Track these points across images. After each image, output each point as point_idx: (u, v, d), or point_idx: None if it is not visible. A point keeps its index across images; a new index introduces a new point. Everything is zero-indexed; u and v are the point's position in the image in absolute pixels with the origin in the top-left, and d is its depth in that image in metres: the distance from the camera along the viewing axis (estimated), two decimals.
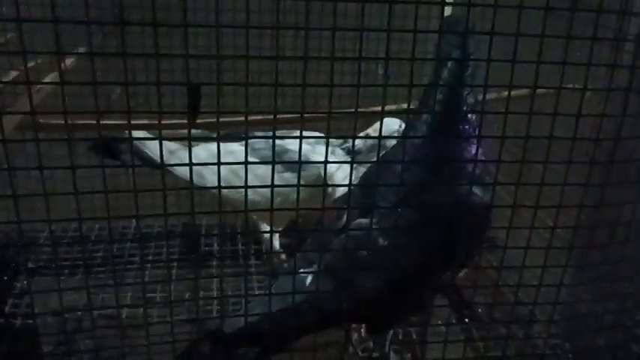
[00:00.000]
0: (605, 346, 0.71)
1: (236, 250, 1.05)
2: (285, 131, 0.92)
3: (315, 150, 0.94)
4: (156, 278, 0.92)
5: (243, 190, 0.53)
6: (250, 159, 0.86)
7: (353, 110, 0.52)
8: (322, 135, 0.95)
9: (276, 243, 1.00)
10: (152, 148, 0.86)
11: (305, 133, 0.52)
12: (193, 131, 0.88)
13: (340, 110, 0.73)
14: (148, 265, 0.96)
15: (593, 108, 0.60)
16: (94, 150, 0.82)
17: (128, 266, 0.95)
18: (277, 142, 0.53)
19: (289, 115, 0.65)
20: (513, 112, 0.53)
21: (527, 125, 0.54)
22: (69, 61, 0.96)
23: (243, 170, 0.53)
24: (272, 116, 0.51)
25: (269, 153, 0.93)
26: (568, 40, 0.51)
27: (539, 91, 0.53)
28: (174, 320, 0.60)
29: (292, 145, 0.90)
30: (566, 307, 0.67)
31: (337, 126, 1.03)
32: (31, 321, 0.81)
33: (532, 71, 0.53)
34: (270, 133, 0.91)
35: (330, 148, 0.96)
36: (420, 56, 0.52)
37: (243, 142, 0.96)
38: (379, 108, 0.53)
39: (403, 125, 0.98)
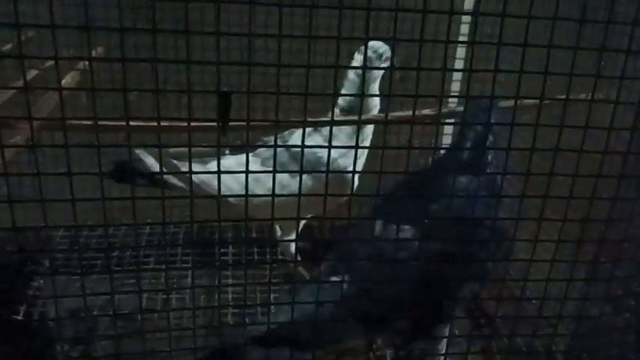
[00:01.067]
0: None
1: (252, 253, 1.05)
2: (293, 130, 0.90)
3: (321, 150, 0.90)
4: (171, 280, 0.91)
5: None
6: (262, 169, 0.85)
7: (383, 118, 0.51)
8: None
9: (292, 247, 0.99)
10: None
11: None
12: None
13: (368, 117, 0.73)
14: (163, 267, 0.96)
15: (618, 119, 0.60)
16: (115, 176, 0.82)
17: (144, 266, 0.95)
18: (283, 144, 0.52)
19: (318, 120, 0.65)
20: (544, 124, 0.53)
21: (552, 136, 0.53)
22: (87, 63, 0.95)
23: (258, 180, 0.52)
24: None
25: (281, 160, 0.93)
26: (601, 53, 0.51)
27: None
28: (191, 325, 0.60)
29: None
30: (587, 319, 0.67)
31: None
32: (47, 322, 0.81)
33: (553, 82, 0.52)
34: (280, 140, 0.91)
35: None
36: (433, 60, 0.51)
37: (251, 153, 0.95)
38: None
39: (388, 52, 0.94)
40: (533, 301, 0.62)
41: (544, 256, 0.59)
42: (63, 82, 0.85)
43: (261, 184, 0.60)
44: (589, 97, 0.53)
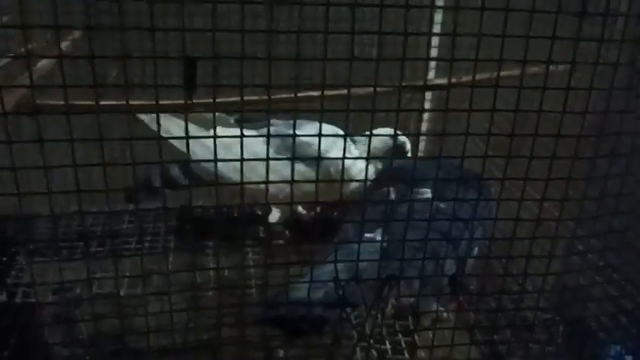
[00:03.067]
0: (594, 318, 0.73)
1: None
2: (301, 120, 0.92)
3: (331, 144, 0.91)
4: (153, 259, 0.93)
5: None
6: (263, 147, 0.87)
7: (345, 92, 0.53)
8: (331, 126, 0.93)
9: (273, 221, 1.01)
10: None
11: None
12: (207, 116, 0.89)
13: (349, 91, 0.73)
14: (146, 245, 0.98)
15: (583, 85, 0.62)
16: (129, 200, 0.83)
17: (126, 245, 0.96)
18: (288, 129, 0.54)
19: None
20: (503, 86, 0.55)
21: (516, 100, 0.55)
22: (64, 44, 0.96)
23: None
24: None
25: (279, 142, 0.93)
26: (557, 15, 0.52)
27: (529, 70, 0.55)
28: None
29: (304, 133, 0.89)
30: (555, 279, 0.69)
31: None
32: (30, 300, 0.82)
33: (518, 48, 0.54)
34: (282, 120, 0.92)
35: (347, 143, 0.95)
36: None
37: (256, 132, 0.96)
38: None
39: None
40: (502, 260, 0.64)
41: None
42: (39, 65, 0.86)
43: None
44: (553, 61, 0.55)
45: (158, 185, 0.91)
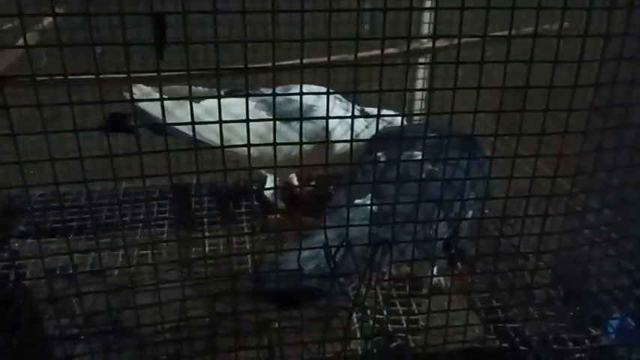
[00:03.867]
0: (595, 280, 0.72)
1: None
2: (288, 86, 0.90)
3: (317, 103, 0.89)
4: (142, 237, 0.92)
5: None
6: (257, 111, 0.86)
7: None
8: (324, 89, 0.89)
9: (268, 193, 1.00)
10: (152, 110, 0.87)
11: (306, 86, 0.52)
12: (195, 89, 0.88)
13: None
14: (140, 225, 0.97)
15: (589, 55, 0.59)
16: (103, 130, 0.82)
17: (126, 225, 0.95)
18: (278, 90, 0.53)
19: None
20: (514, 60, 0.52)
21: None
22: (47, 22, 0.94)
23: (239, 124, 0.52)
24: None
25: (271, 109, 0.91)
26: None
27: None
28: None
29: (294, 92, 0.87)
30: (554, 241, 0.67)
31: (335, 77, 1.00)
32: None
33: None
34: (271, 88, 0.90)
35: (332, 101, 0.93)
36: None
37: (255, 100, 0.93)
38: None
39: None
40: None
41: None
42: (20, 42, 0.84)
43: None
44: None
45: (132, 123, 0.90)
